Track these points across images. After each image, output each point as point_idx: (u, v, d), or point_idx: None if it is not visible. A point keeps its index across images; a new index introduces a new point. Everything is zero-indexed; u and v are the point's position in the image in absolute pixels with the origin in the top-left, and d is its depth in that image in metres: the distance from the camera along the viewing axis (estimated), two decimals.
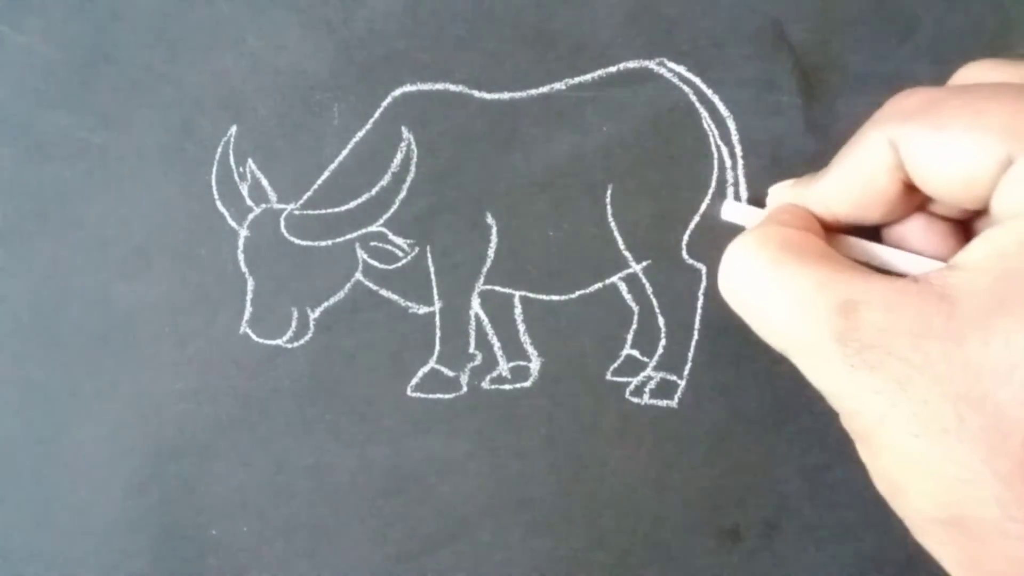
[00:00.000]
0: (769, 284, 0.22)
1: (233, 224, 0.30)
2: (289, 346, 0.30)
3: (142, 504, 0.30)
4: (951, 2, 0.29)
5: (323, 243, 0.30)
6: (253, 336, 0.30)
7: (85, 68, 0.30)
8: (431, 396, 0.30)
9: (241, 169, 0.30)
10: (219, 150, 0.30)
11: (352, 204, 0.30)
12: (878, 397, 0.19)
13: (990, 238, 0.20)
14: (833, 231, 0.25)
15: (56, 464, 0.30)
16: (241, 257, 0.30)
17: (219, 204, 0.30)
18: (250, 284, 0.30)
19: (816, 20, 0.29)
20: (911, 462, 0.19)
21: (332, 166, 0.30)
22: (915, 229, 0.24)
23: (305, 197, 0.30)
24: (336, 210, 0.30)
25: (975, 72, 0.23)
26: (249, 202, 0.30)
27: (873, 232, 0.25)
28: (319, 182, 0.30)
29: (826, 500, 0.30)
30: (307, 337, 0.30)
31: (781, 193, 0.26)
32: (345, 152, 0.30)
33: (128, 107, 0.30)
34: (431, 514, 0.31)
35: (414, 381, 0.30)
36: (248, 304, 0.30)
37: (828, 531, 0.30)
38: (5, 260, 0.31)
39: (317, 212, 0.30)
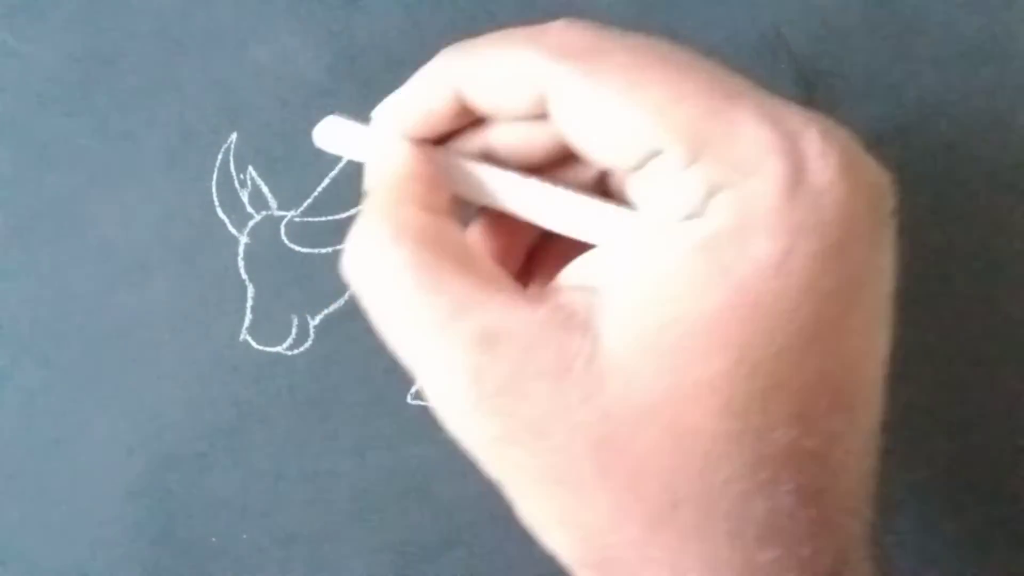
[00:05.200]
0: (402, 299, 0.18)
1: (233, 231, 0.30)
2: (289, 353, 0.30)
3: (141, 511, 0.30)
4: (952, 9, 0.29)
5: (323, 250, 0.30)
6: (253, 343, 0.30)
7: (86, 75, 0.30)
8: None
9: (241, 176, 0.30)
10: (219, 157, 0.30)
11: (352, 211, 0.30)
12: (515, 448, 0.17)
13: (632, 253, 0.17)
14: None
15: (55, 471, 0.30)
16: (241, 264, 0.30)
17: (219, 211, 0.30)
18: (250, 291, 0.30)
19: (817, 28, 0.29)
20: (555, 510, 0.17)
21: (332, 173, 0.30)
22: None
23: (305, 204, 0.30)
24: (337, 217, 0.30)
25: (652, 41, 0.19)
26: (249, 209, 0.30)
27: None
28: (319, 189, 0.30)
29: None
30: (307, 344, 0.30)
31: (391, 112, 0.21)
32: (345, 159, 0.30)
33: (129, 114, 0.30)
34: (431, 521, 0.30)
35: (414, 388, 0.30)
36: (248, 311, 0.30)
37: None
38: (6, 266, 0.31)
39: (317, 219, 0.30)
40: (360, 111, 0.30)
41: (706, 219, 0.16)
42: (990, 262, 0.28)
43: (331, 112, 0.30)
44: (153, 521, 0.30)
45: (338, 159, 0.30)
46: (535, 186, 0.19)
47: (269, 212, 0.30)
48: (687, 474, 0.16)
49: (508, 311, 0.17)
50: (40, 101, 0.31)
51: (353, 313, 0.30)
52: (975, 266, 0.29)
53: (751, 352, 0.15)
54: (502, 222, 0.21)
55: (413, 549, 0.31)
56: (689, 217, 0.16)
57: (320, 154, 0.30)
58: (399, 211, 0.18)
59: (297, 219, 0.30)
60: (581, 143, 0.18)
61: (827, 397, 0.16)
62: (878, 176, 0.17)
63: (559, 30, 0.18)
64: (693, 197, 0.16)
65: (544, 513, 0.18)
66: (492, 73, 0.19)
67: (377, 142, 0.20)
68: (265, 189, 0.30)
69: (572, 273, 0.18)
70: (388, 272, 0.18)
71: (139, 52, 0.30)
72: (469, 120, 0.20)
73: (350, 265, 0.19)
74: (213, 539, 0.30)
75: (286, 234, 0.30)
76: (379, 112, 0.21)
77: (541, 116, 0.18)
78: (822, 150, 0.16)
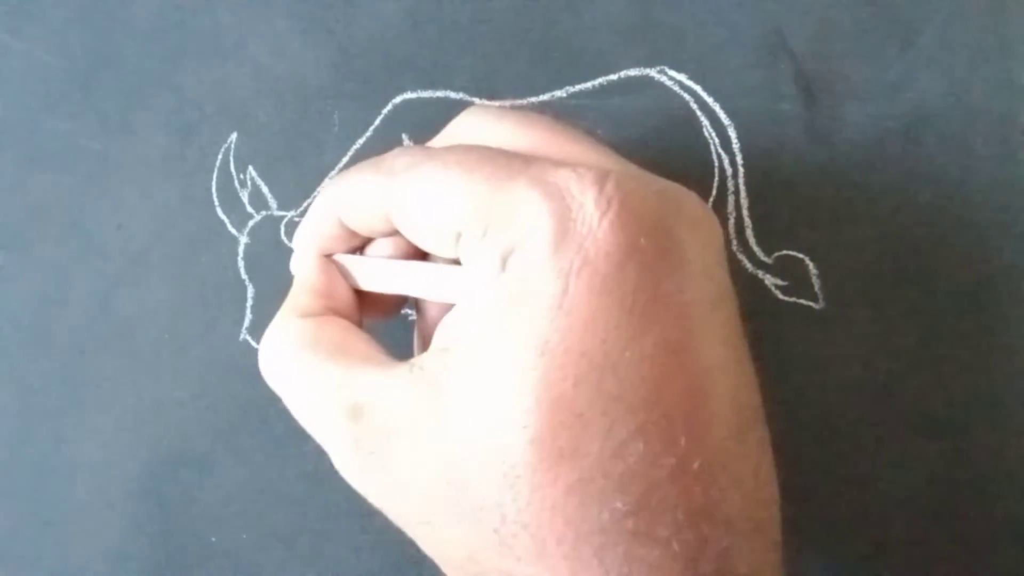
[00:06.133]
0: (294, 386, 0.22)
1: (233, 231, 0.30)
2: None
3: (141, 511, 0.30)
4: (953, 10, 0.29)
5: None
6: (253, 343, 0.30)
7: (86, 75, 0.30)
8: None
9: (241, 176, 0.30)
10: (219, 157, 0.30)
11: None
12: (394, 498, 0.20)
13: (458, 315, 0.20)
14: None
15: (55, 471, 0.30)
16: (241, 264, 0.30)
17: (219, 211, 0.30)
18: (250, 291, 0.30)
19: (817, 28, 0.29)
20: (431, 548, 0.20)
21: (332, 173, 0.30)
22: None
23: (305, 204, 0.30)
24: None
25: (472, 120, 0.23)
26: (249, 209, 0.30)
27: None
28: (319, 189, 0.30)
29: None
30: None
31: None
32: (346, 159, 0.30)
33: (128, 114, 0.30)
34: None
35: None
36: (248, 311, 0.30)
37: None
38: (5, 266, 0.31)
39: None
40: (360, 111, 0.30)
41: (506, 278, 0.19)
42: (990, 262, 0.28)
43: (331, 112, 0.30)
44: (153, 521, 0.30)
45: (338, 159, 0.30)
46: (403, 266, 0.23)
47: (269, 212, 0.30)
48: (517, 505, 0.18)
49: (372, 385, 0.20)
50: (39, 100, 0.31)
51: None
52: (975, 266, 0.29)
53: (549, 388, 0.18)
54: None
55: (413, 549, 0.31)
56: (497, 279, 0.19)
57: (320, 154, 0.31)
58: (288, 320, 0.23)
59: (297, 219, 0.30)
60: (417, 243, 0.22)
61: (634, 418, 0.18)
62: (660, 207, 0.19)
63: (391, 157, 0.22)
64: (492, 264, 0.19)
65: (428, 550, 0.21)
66: (351, 202, 0.22)
67: (294, 261, 0.25)
68: (265, 189, 0.30)
69: (436, 335, 0.21)
70: (282, 368, 0.22)
71: (139, 52, 0.30)
72: (364, 237, 0.24)
73: (262, 365, 0.23)
74: (213, 539, 0.30)
75: (286, 234, 0.30)
76: (295, 237, 0.25)
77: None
78: (592, 200, 0.18)
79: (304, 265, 0.24)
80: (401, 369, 0.20)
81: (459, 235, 0.20)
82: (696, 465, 0.18)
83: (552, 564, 0.18)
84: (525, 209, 0.18)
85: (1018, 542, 0.28)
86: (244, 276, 0.30)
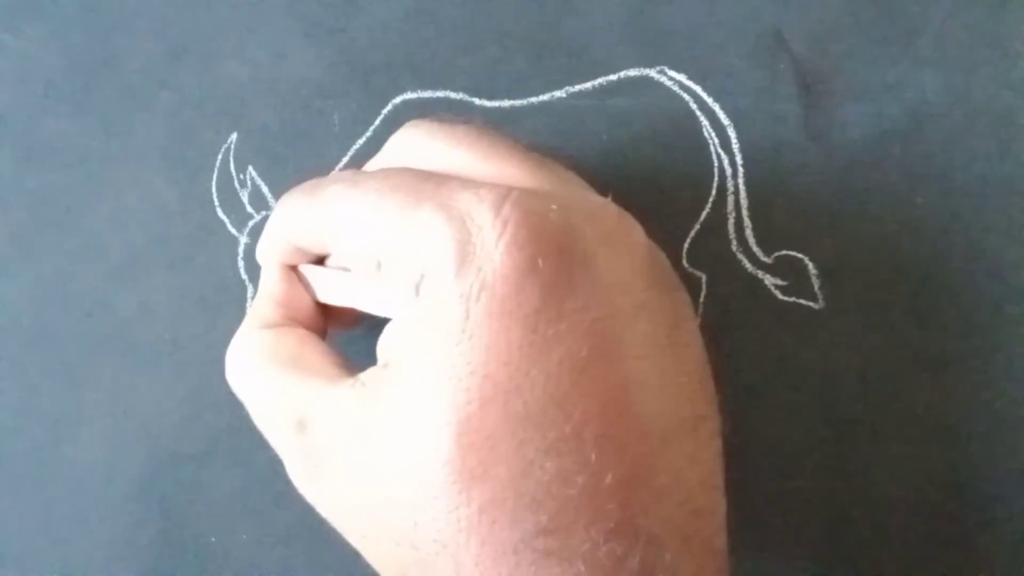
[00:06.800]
0: (253, 395, 0.23)
1: (233, 231, 0.30)
2: None
3: (140, 510, 0.30)
4: (953, 9, 0.29)
5: None
6: None
7: (85, 74, 0.30)
8: None
9: (241, 176, 0.30)
10: (219, 157, 0.30)
11: None
12: (331, 510, 0.21)
13: (391, 334, 0.20)
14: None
15: (54, 470, 0.30)
16: (241, 264, 0.30)
17: (219, 211, 0.30)
18: (250, 291, 0.30)
19: (817, 28, 0.29)
20: (370, 560, 0.21)
21: (331, 173, 0.30)
22: None
23: None
24: None
25: (406, 137, 0.23)
26: (249, 209, 0.30)
27: None
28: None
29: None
30: None
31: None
32: (346, 159, 0.30)
33: (128, 113, 0.30)
34: None
35: None
36: (248, 311, 0.30)
37: None
38: (5, 265, 0.31)
39: None
40: (360, 111, 0.30)
41: (419, 303, 0.19)
42: (990, 263, 0.28)
43: (331, 112, 0.30)
44: (153, 521, 0.30)
45: (338, 159, 0.30)
46: (352, 280, 0.23)
47: (269, 212, 0.30)
48: (436, 525, 0.18)
49: (318, 399, 0.21)
50: (38, 100, 0.31)
51: None
52: (975, 266, 0.29)
53: (458, 411, 0.18)
54: None
55: None
56: (412, 304, 0.19)
57: (320, 154, 0.31)
58: (249, 330, 0.24)
59: None
60: (349, 267, 0.23)
61: (542, 438, 0.18)
62: (562, 225, 0.19)
63: (325, 182, 0.23)
64: (407, 288, 0.19)
65: (370, 562, 0.21)
66: (291, 226, 0.23)
67: (262, 272, 0.26)
68: (265, 189, 0.30)
69: (379, 351, 0.21)
70: (242, 377, 0.23)
71: (139, 52, 0.30)
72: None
73: (227, 373, 0.24)
74: (213, 539, 0.30)
75: None
76: (257, 249, 0.26)
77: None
78: (489, 223, 0.18)
79: (266, 276, 0.25)
80: (346, 384, 0.21)
81: (378, 262, 0.21)
82: (609, 481, 0.18)
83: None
84: (431, 235, 0.19)
85: (1018, 542, 0.28)
86: (244, 276, 0.30)
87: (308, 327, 0.24)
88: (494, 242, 0.18)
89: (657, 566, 0.18)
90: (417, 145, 0.23)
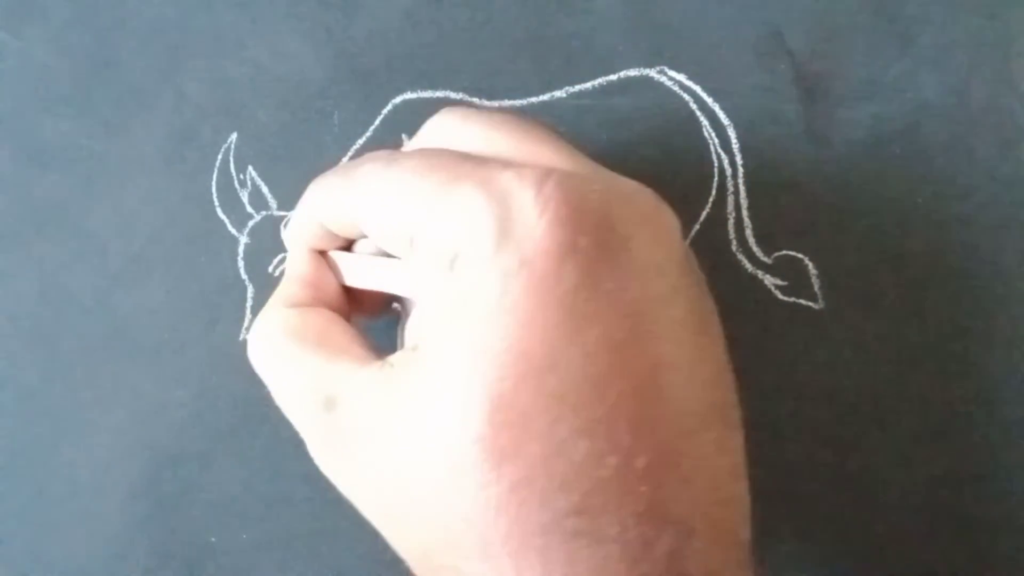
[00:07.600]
0: (276, 373, 0.23)
1: (233, 231, 0.30)
2: None
3: (141, 511, 0.30)
4: (952, 9, 0.29)
5: None
6: None
7: (86, 75, 0.30)
8: None
9: (241, 176, 0.30)
10: (219, 157, 0.30)
11: None
12: (354, 489, 0.21)
13: (421, 315, 0.20)
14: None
15: (55, 471, 0.30)
16: (241, 264, 0.30)
17: (219, 211, 0.30)
18: (250, 291, 0.30)
19: (817, 28, 0.29)
20: (396, 539, 0.21)
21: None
22: None
23: None
24: None
25: (442, 122, 0.23)
26: (249, 209, 0.30)
27: None
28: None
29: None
30: None
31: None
32: (345, 159, 0.30)
33: (128, 114, 0.30)
34: None
35: None
36: (248, 311, 0.30)
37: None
38: (5, 266, 0.31)
39: None
40: (360, 111, 0.30)
41: (453, 279, 0.19)
42: (990, 263, 0.28)
43: (331, 112, 0.30)
44: (153, 521, 0.30)
45: (338, 159, 0.30)
46: (381, 263, 0.24)
47: (269, 212, 0.30)
48: (463, 503, 0.18)
49: (347, 378, 0.21)
50: (39, 100, 0.31)
51: None
52: (975, 266, 0.29)
53: (491, 388, 0.18)
54: None
55: None
56: (446, 281, 0.19)
57: (320, 154, 0.31)
58: (275, 308, 0.24)
59: None
60: (382, 247, 0.22)
61: (576, 417, 0.18)
62: (604, 205, 0.19)
63: (357, 163, 0.22)
64: (442, 266, 0.19)
65: (392, 543, 0.21)
66: (323, 207, 0.23)
67: (289, 254, 0.26)
68: (265, 189, 0.30)
69: (407, 333, 0.21)
70: (267, 355, 0.23)
71: (139, 52, 0.30)
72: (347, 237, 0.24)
73: (250, 351, 0.23)
74: (213, 539, 0.30)
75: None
76: (286, 233, 0.26)
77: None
78: (531, 201, 0.18)
79: (294, 257, 0.25)
80: (375, 365, 0.21)
81: (412, 239, 0.20)
82: (642, 464, 0.18)
83: (498, 563, 0.18)
84: (469, 211, 0.19)
85: (1018, 542, 0.28)
86: (244, 276, 0.30)
87: (334, 311, 0.24)
88: (535, 219, 0.18)
89: (686, 552, 0.18)
90: (454, 129, 0.22)
